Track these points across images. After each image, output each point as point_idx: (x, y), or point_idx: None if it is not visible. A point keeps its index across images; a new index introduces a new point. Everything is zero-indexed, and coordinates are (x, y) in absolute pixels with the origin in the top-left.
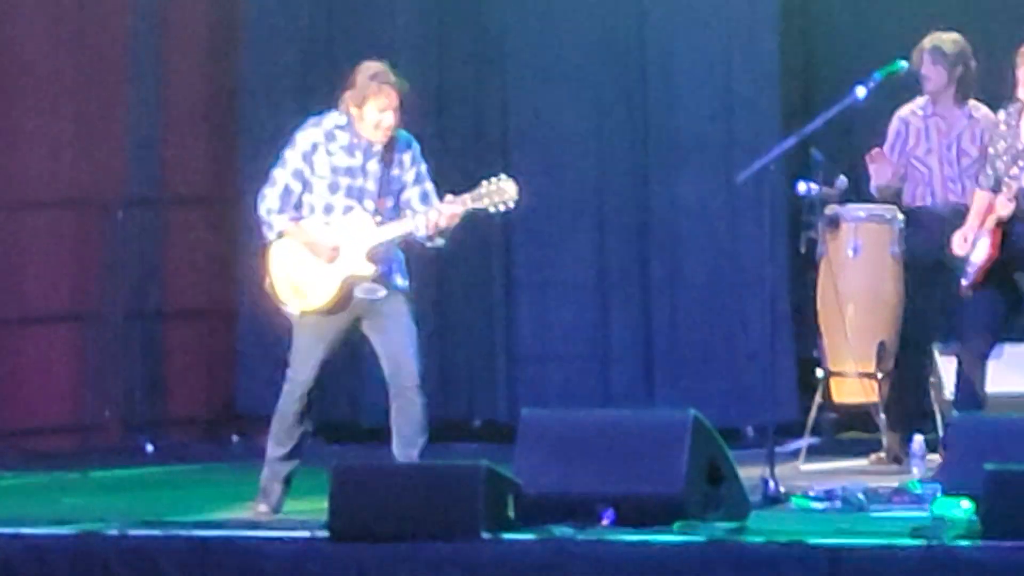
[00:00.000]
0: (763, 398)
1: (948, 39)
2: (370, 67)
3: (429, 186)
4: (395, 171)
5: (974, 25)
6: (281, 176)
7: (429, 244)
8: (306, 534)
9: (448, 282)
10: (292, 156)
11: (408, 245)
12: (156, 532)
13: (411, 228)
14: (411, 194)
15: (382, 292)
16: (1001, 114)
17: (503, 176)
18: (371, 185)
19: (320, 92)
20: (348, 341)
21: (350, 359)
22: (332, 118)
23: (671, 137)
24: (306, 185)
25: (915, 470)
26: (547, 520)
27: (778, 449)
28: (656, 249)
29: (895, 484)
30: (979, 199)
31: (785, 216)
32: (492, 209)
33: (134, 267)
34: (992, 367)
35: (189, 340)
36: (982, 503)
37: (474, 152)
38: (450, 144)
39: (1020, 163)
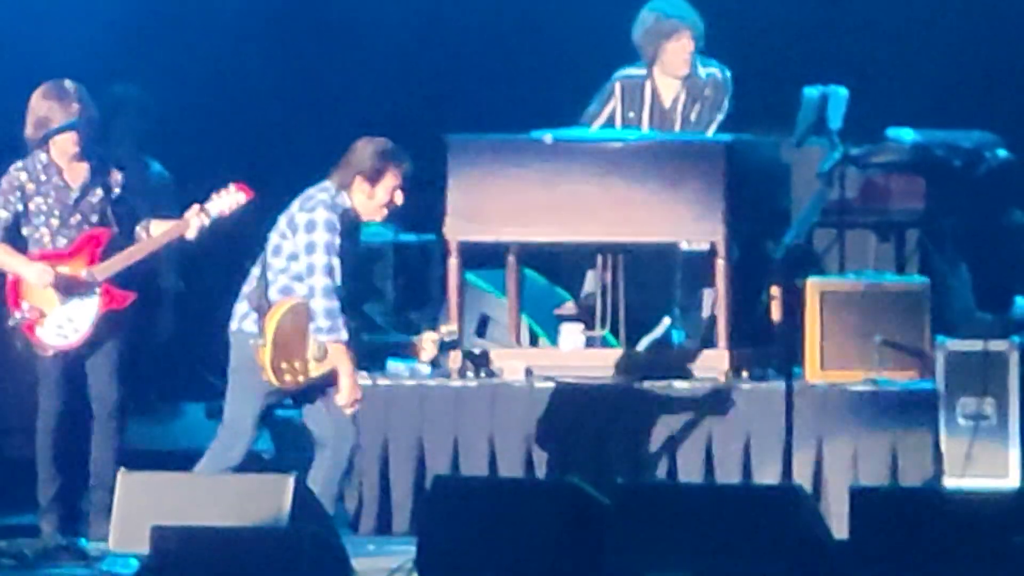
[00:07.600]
0: None
1: None
2: (381, 144)
3: None
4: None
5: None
6: (335, 263)
7: None
8: None
9: None
10: (331, 240)
11: None
12: None
13: None
14: None
15: None
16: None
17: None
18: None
19: None
20: None
21: None
22: (336, 199)
23: None
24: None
25: None
26: None
27: None
28: None
29: (64, 542)
30: None
31: None
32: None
33: None
34: None
35: None
36: (148, 559)
37: None
38: None
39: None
